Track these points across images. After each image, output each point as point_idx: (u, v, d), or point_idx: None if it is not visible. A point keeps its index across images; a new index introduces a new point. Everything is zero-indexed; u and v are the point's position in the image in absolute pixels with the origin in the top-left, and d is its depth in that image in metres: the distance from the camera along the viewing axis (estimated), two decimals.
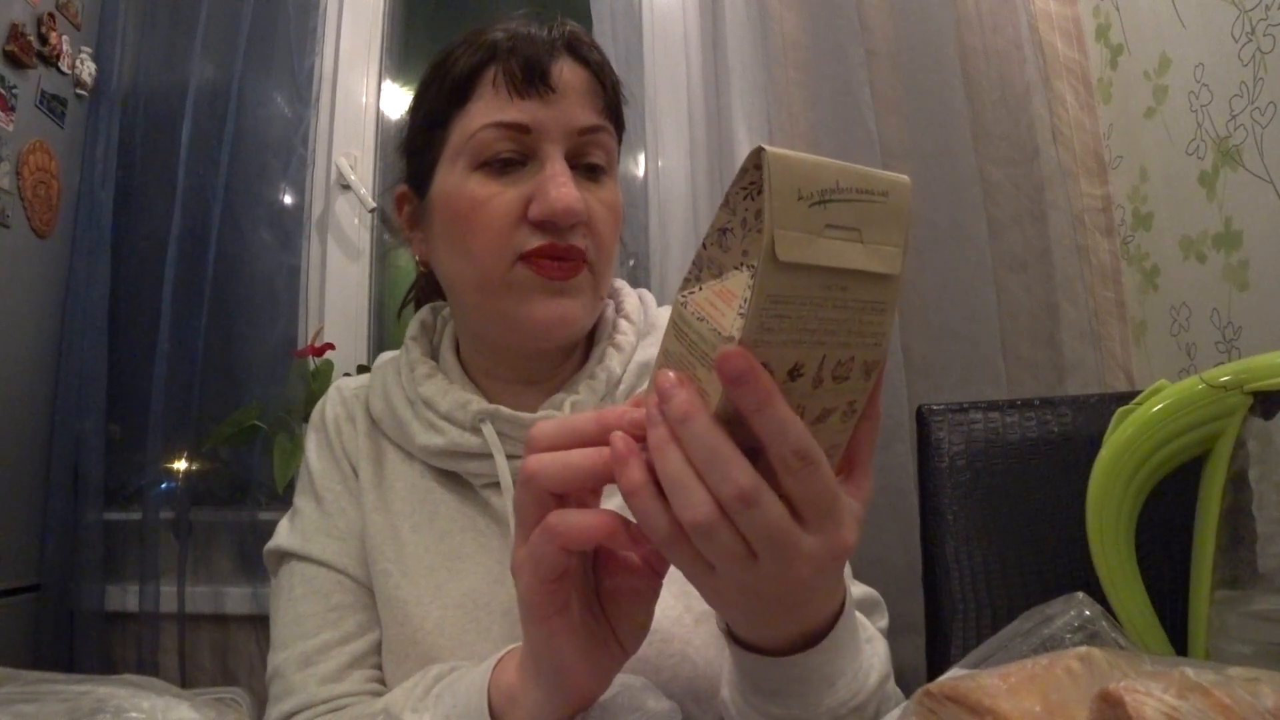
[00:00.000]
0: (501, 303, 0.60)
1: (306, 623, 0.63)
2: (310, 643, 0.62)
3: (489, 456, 0.62)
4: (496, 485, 0.63)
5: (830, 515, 0.36)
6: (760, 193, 0.33)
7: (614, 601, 0.44)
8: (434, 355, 0.70)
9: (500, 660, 0.48)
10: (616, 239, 0.64)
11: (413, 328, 0.71)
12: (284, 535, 0.68)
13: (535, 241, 0.58)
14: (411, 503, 0.65)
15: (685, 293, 0.37)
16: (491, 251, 0.59)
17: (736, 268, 0.35)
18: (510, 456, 0.62)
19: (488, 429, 0.62)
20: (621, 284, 0.73)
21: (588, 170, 0.62)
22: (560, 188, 0.58)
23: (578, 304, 0.61)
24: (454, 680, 0.50)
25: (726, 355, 0.33)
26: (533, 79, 0.59)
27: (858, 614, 0.51)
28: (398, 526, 0.65)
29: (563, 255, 0.59)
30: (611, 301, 0.72)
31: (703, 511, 0.34)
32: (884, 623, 0.70)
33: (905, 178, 0.36)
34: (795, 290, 0.33)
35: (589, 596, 0.43)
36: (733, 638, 0.44)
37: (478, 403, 0.63)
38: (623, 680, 0.47)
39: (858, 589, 0.71)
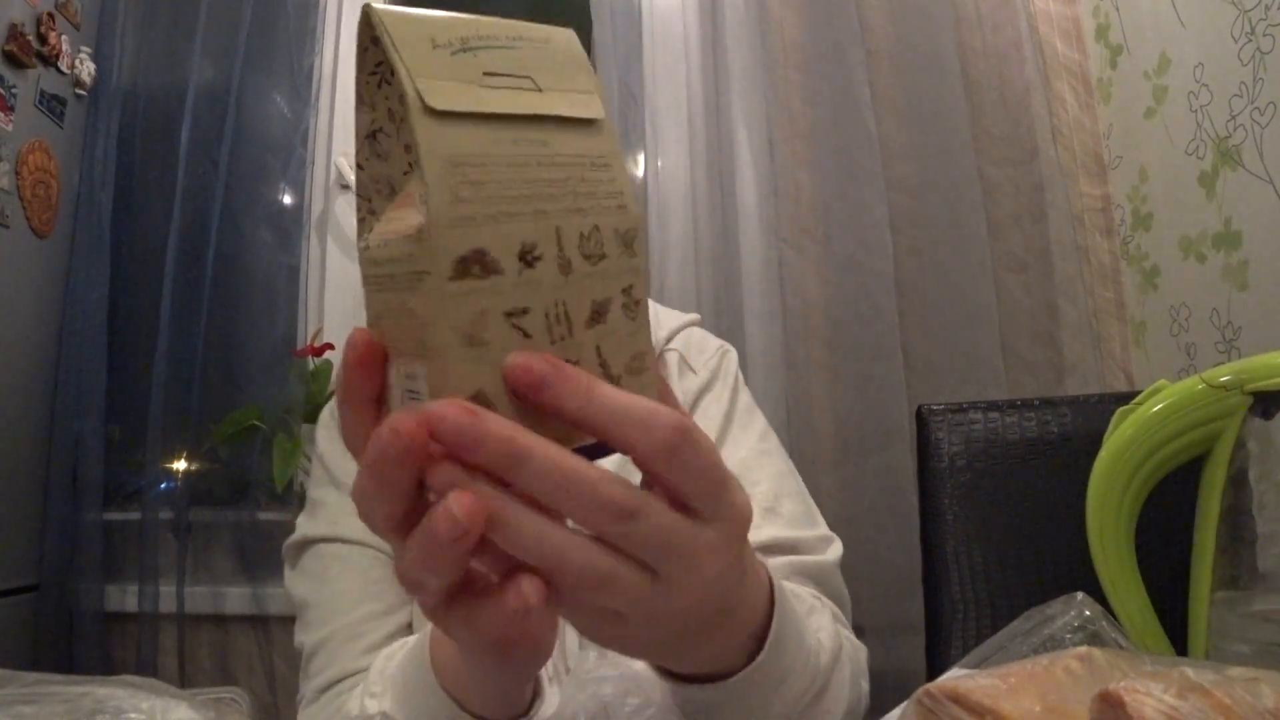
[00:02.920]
0: None
1: (345, 598, 0.64)
2: (354, 614, 0.63)
3: None
4: None
5: (721, 489, 0.30)
6: (395, 73, 0.27)
7: None
8: None
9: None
10: None
11: None
12: (307, 526, 0.69)
13: None
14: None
15: (363, 237, 0.29)
16: None
17: (405, 172, 0.28)
18: None
19: None
20: None
21: None
22: None
23: None
24: (404, 653, 0.50)
25: (514, 367, 0.27)
26: None
27: (789, 587, 0.47)
28: None
29: None
30: None
31: (583, 558, 0.28)
32: (835, 549, 0.68)
33: (564, 30, 0.31)
34: (476, 147, 0.27)
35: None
36: (669, 674, 0.40)
37: None
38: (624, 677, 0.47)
39: (771, 528, 0.65)
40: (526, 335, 0.28)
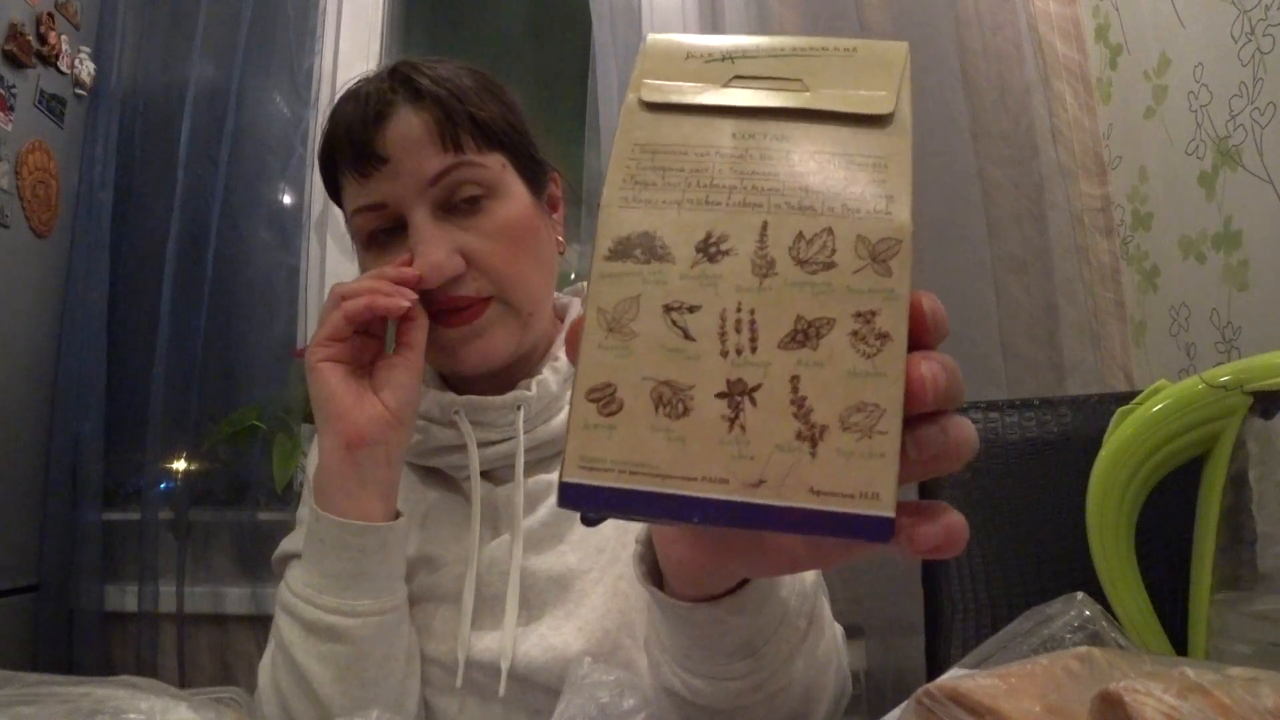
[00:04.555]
0: (431, 356, 0.62)
1: None
2: None
3: (465, 448, 0.64)
4: (479, 477, 0.65)
5: None
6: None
7: (379, 371, 0.59)
8: None
9: None
10: (522, 253, 0.64)
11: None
12: (294, 541, 0.70)
13: (431, 303, 0.60)
14: (405, 506, 0.66)
15: None
16: None
17: None
18: (483, 444, 0.64)
19: (461, 420, 0.64)
20: (570, 300, 0.74)
21: (467, 205, 0.61)
22: (420, 259, 0.59)
23: (495, 338, 0.63)
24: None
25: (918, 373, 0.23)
26: (366, 158, 0.60)
27: None
28: None
29: (460, 305, 0.61)
30: (567, 297, 0.74)
31: None
32: None
33: (897, 43, 0.27)
34: (679, 136, 0.25)
35: (362, 370, 0.59)
36: (678, 601, 0.41)
37: (449, 396, 0.65)
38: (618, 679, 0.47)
39: None
40: (688, 337, 0.24)
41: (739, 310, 0.24)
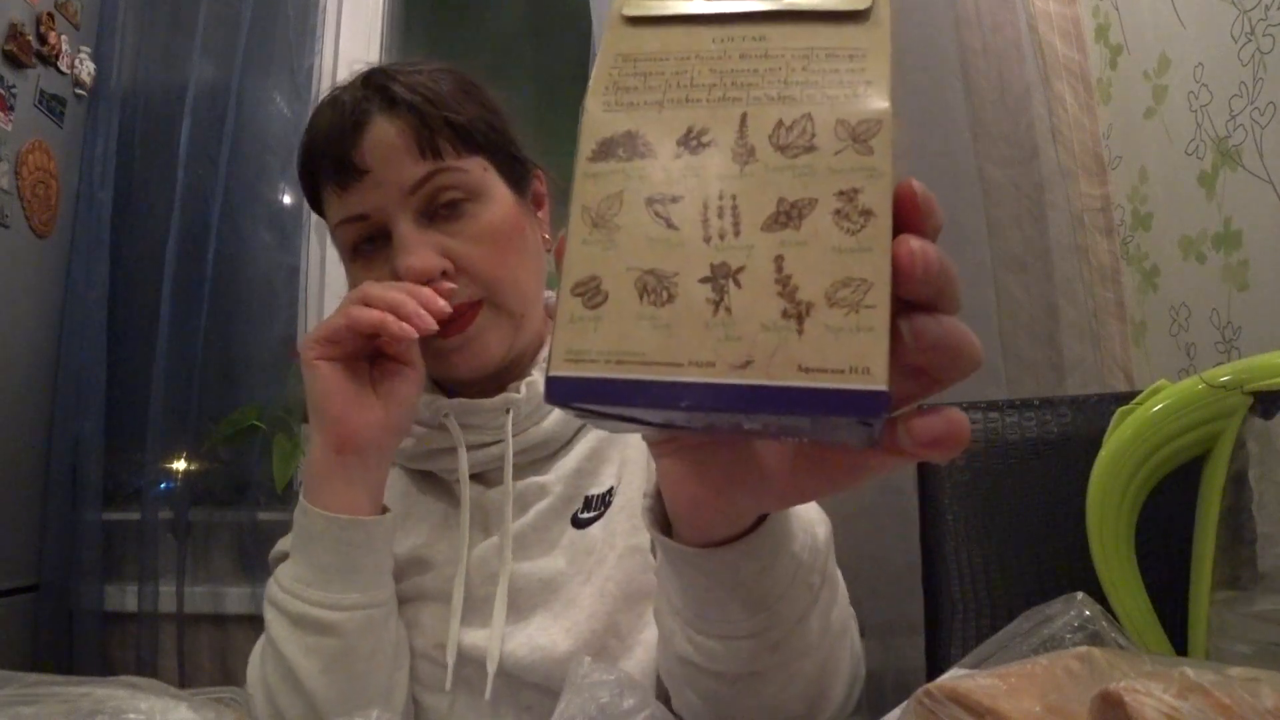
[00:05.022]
0: (425, 362, 0.62)
1: None
2: None
3: (456, 451, 0.64)
4: (467, 479, 0.65)
5: None
6: None
7: (382, 377, 0.58)
8: None
9: None
10: (509, 254, 0.63)
11: None
12: (284, 542, 0.70)
13: None
14: (397, 509, 0.66)
15: None
16: None
17: None
18: (473, 446, 0.64)
19: (451, 423, 0.64)
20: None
21: (450, 210, 0.61)
22: (403, 260, 0.59)
23: (488, 342, 0.63)
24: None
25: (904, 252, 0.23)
26: (345, 170, 0.60)
27: None
28: None
29: (452, 315, 0.60)
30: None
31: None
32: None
33: None
34: (660, 44, 0.26)
35: (360, 367, 0.58)
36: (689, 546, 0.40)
37: (439, 399, 0.65)
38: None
39: None
40: (671, 226, 0.24)
41: (720, 197, 0.24)
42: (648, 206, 0.24)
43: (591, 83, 0.25)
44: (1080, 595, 0.43)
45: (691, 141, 0.24)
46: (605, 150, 0.25)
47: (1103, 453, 0.65)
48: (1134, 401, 0.65)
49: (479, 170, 0.63)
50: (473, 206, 0.62)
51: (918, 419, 0.25)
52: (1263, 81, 1.07)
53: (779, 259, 0.23)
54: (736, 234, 0.24)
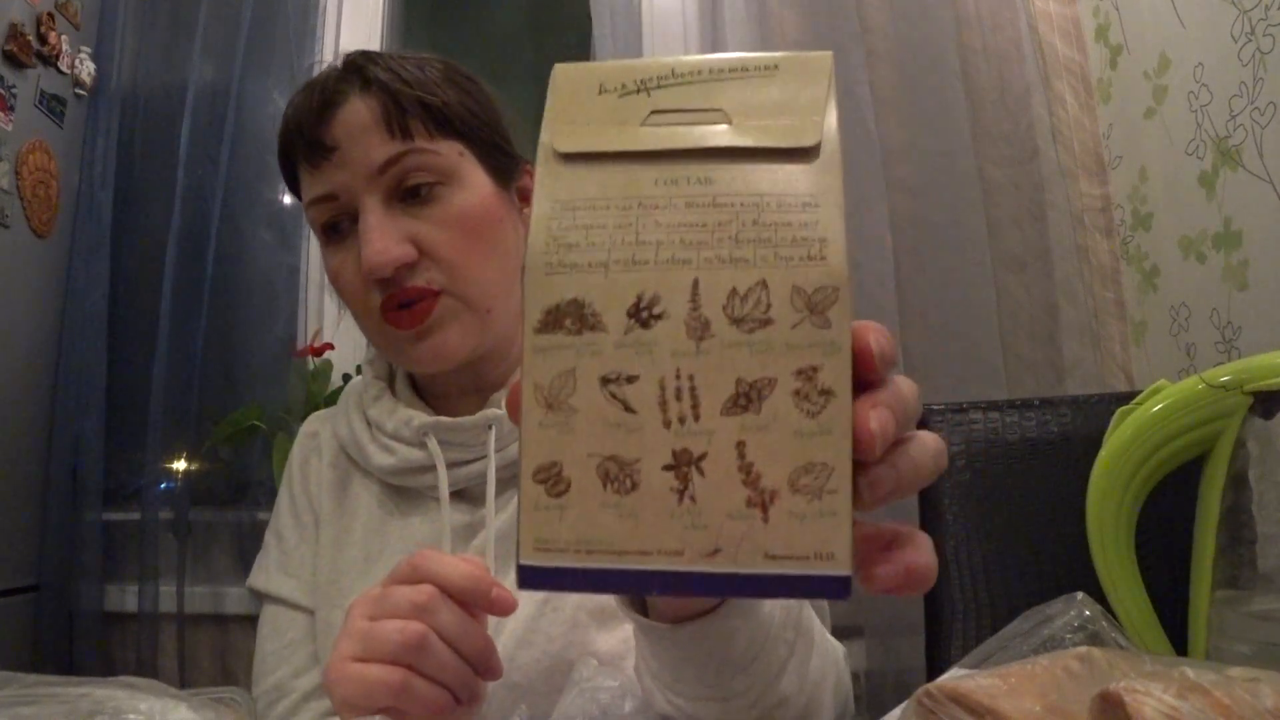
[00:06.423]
0: (389, 354, 0.61)
1: (268, 661, 0.64)
2: (270, 680, 0.63)
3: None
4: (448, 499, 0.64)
5: None
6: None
7: None
8: (391, 375, 0.70)
9: None
10: (479, 244, 0.61)
11: (368, 351, 0.72)
12: (254, 574, 0.70)
13: (379, 298, 0.59)
14: (368, 532, 0.66)
15: None
16: (361, 316, 0.62)
17: None
18: (455, 464, 0.62)
19: (431, 442, 0.62)
20: None
21: (419, 193, 0.60)
22: (366, 247, 0.57)
23: (449, 335, 0.60)
24: None
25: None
26: (315, 148, 0.59)
27: None
28: (349, 565, 0.65)
29: (410, 299, 0.59)
30: None
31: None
32: None
33: (820, 53, 0.26)
34: (599, 189, 0.24)
35: None
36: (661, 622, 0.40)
37: (419, 418, 0.63)
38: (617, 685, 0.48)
39: None
40: (629, 409, 0.23)
41: (678, 377, 0.23)
42: (603, 387, 0.24)
43: (531, 234, 0.24)
44: (1080, 595, 0.43)
45: (643, 312, 0.23)
46: (552, 321, 0.24)
47: (1103, 453, 0.65)
48: (1134, 402, 0.65)
49: (453, 154, 0.61)
50: (444, 190, 0.60)
51: (880, 567, 0.26)
52: (1263, 81, 1.07)
53: (740, 445, 0.23)
54: (696, 418, 0.23)
